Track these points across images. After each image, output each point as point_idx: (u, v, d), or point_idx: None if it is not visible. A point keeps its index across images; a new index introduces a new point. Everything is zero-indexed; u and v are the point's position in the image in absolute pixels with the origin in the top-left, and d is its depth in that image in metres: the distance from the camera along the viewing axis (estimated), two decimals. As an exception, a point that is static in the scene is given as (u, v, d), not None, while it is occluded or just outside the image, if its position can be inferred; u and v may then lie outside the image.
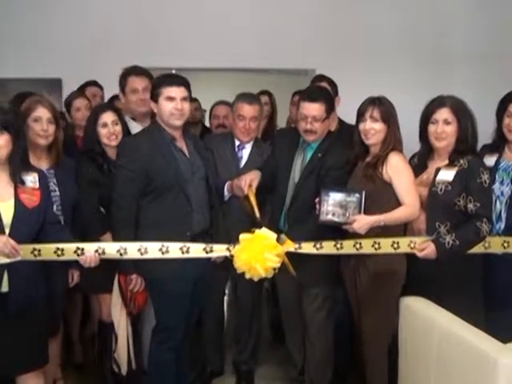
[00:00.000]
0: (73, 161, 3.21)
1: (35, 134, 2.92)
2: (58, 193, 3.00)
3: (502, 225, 3.00)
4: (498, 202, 3.01)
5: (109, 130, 3.19)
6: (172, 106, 2.89)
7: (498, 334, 2.32)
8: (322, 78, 3.80)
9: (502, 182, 3.03)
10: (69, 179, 3.09)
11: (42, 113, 2.93)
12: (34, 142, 2.92)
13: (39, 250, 2.50)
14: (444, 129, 2.88)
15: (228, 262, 3.31)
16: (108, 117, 3.20)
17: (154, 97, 2.93)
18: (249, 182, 3.14)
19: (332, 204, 2.88)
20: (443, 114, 2.89)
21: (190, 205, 2.91)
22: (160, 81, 2.95)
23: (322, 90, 3.29)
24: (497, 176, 3.04)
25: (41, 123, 2.92)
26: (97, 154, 3.21)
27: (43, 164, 3.00)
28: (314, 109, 3.11)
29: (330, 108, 3.17)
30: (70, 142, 3.53)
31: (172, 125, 2.94)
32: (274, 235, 2.78)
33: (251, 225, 3.05)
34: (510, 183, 3.02)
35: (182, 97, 2.91)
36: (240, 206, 3.29)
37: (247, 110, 3.47)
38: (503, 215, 3.01)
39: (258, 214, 3.03)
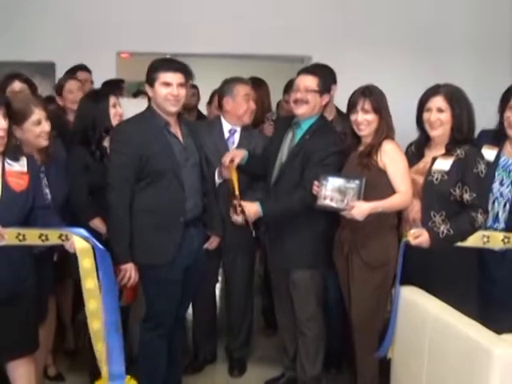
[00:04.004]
0: (63, 154, 3.17)
1: (37, 137, 2.86)
2: (47, 190, 2.94)
3: (499, 226, 2.94)
4: (496, 203, 2.95)
5: (117, 109, 3.26)
6: (168, 91, 2.85)
7: (492, 328, 2.29)
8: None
9: (501, 183, 2.97)
10: (60, 176, 3.04)
11: (40, 114, 2.86)
12: (35, 144, 2.87)
13: (24, 235, 2.46)
14: (437, 117, 2.86)
15: (220, 249, 3.34)
16: (115, 98, 3.31)
17: (150, 81, 2.90)
18: (231, 156, 3.24)
19: (330, 189, 2.87)
20: (437, 102, 2.87)
21: (183, 190, 2.89)
22: (157, 65, 2.91)
23: (318, 67, 3.30)
24: (496, 174, 2.98)
25: (42, 125, 2.87)
26: (93, 139, 3.19)
27: None
28: (306, 79, 3.14)
29: (324, 85, 3.15)
30: (62, 127, 3.48)
31: (167, 110, 2.90)
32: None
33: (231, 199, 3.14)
34: (510, 185, 2.95)
35: (179, 83, 2.87)
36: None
37: (250, 91, 3.55)
38: (501, 216, 2.95)
39: (236, 188, 3.11)
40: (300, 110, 3.15)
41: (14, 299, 2.52)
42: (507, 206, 2.94)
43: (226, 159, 3.25)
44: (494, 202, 2.94)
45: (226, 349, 3.84)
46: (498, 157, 3.02)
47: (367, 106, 2.90)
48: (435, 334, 2.48)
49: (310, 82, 3.12)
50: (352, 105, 2.95)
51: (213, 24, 5.27)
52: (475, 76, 4.75)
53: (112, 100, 3.27)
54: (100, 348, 2.63)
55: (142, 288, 3.00)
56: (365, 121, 2.91)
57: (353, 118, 2.95)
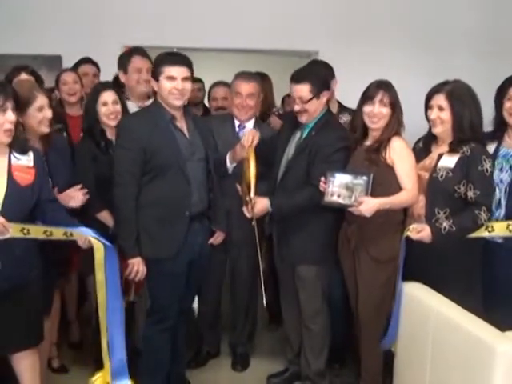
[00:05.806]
0: (64, 142, 3.17)
1: (39, 123, 2.87)
2: (49, 178, 2.95)
3: (501, 212, 2.96)
4: (497, 190, 2.96)
5: (108, 108, 3.17)
6: (172, 85, 2.85)
7: (496, 324, 2.30)
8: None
9: (501, 169, 2.98)
10: (59, 163, 3.03)
11: (43, 100, 2.86)
12: (37, 130, 2.87)
13: (28, 230, 2.46)
14: (437, 115, 2.87)
15: (226, 244, 3.34)
16: (109, 96, 3.19)
17: (155, 75, 2.90)
18: (251, 137, 3.10)
19: (338, 185, 2.87)
20: (438, 100, 2.87)
21: (189, 184, 2.89)
22: (162, 59, 2.91)
23: (307, 71, 3.26)
24: (496, 163, 2.97)
25: (44, 112, 2.87)
26: (96, 132, 3.18)
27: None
28: (298, 90, 3.11)
29: (317, 88, 3.11)
30: (60, 121, 3.46)
31: (171, 104, 2.90)
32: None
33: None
34: (509, 170, 2.97)
35: (183, 77, 2.87)
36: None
37: (244, 87, 3.47)
38: (503, 202, 2.96)
39: (253, 179, 3.01)
40: (302, 119, 3.16)
41: (19, 291, 2.53)
42: (508, 190, 2.96)
43: (248, 139, 3.09)
44: (495, 190, 2.94)
45: (230, 343, 3.85)
46: (497, 149, 3.04)
47: (386, 99, 2.90)
48: (438, 330, 2.49)
49: (301, 92, 3.08)
50: (368, 96, 2.94)
51: (220, 18, 5.25)
52: (487, 72, 4.68)
53: (103, 97, 3.17)
54: (104, 341, 2.68)
55: (145, 282, 3.01)
56: (380, 113, 2.91)
57: (367, 109, 2.94)
